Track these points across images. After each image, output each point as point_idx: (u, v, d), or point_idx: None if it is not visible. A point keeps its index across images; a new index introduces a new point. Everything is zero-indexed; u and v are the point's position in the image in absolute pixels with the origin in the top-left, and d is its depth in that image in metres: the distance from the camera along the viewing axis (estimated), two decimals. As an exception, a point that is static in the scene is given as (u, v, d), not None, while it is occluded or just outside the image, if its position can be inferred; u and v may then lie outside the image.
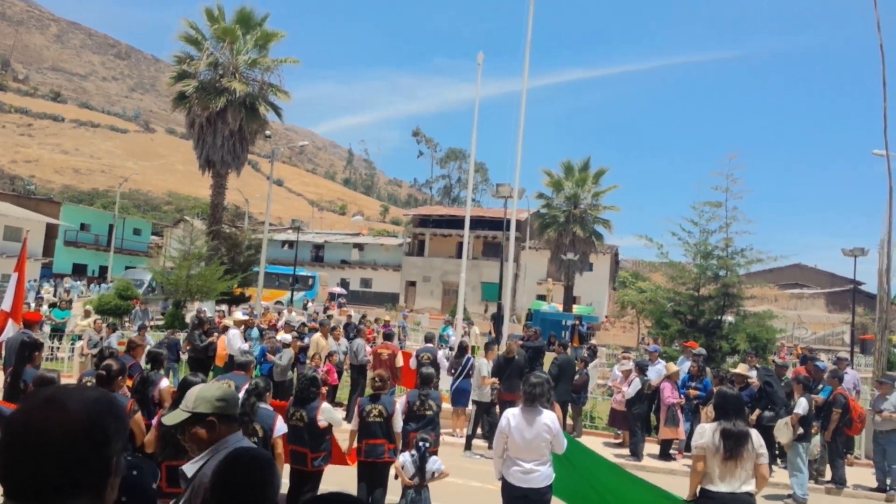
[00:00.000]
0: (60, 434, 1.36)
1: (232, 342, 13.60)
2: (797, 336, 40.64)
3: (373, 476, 7.12)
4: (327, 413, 6.86)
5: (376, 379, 7.53)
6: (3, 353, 10.76)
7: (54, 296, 32.35)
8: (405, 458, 6.76)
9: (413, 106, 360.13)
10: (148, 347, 9.49)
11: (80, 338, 17.20)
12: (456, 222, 52.62)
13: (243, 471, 2.12)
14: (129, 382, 7.70)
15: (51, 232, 49.92)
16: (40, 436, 1.35)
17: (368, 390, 13.04)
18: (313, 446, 6.70)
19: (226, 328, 14.58)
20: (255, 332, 15.12)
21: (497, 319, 23.73)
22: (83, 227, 55.44)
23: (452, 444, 11.84)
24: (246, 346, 13.38)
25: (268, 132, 30.86)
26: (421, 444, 6.73)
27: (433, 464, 6.73)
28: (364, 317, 24.87)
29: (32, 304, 21.36)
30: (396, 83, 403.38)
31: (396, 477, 6.82)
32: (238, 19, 28.69)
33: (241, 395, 6.52)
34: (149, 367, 8.09)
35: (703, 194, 21.55)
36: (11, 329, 10.30)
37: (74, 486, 1.37)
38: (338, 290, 51.53)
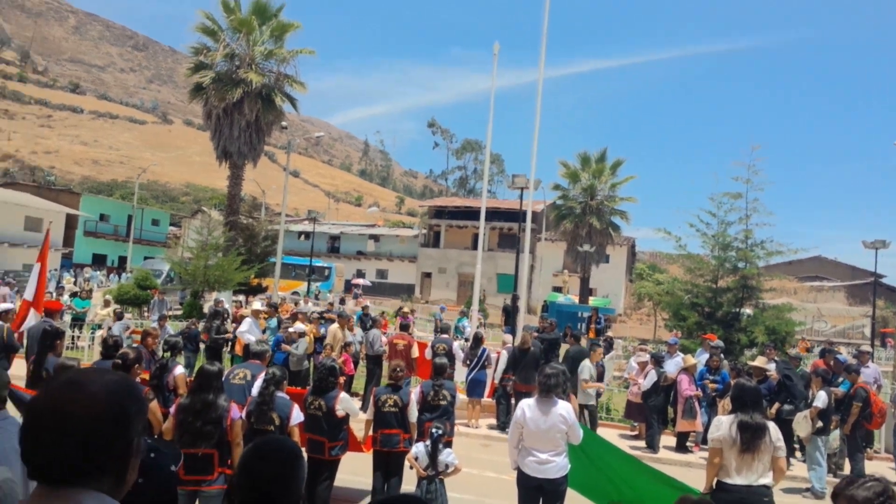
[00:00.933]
0: (83, 416, 1.38)
1: (245, 331, 13.69)
2: (817, 329, 40.23)
3: (388, 465, 7.15)
4: (345, 403, 6.89)
5: (397, 369, 7.57)
6: (26, 341, 10.92)
7: (75, 285, 32.76)
8: (419, 448, 6.76)
9: (429, 97, 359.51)
10: (167, 336, 9.57)
11: (100, 327, 17.41)
12: (472, 214, 52.54)
13: (270, 460, 2.12)
14: (146, 374, 7.79)
15: (71, 222, 50.53)
16: (63, 418, 1.37)
17: (384, 380, 13.14)
18: (331, 435, 6.74)
19: (243, 318, 14.67)
20: (273, 322, 15.16)
21: (511, 311, 23.70)
22: (102, 217, 56.03)
23: (467, 434, 11.86)
24: (256, 336, 13.39)
25: (284, 123, 30.94)
26: (434, 432, 6.72)
27: (447, 456, 6.69)
28: (400, 308, 24.68)
29: (53, 294, 21.64)
30: (412, 74, 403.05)
31: (411, 467, 6.84)
32: (254, 10, 28.75)
33: (259, 383, 6.57)
34: (168, 354, 8.17)
35: (721, 185, 21.33)
36: (33, 318, 10.44)
37: (97, 468, 1.40)
38: (362, 281, 51.66)
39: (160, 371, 7.51)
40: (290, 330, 13.50)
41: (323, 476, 6.73)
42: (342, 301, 32.95)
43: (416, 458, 6.68)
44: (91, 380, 1.45)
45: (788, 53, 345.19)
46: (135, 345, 9.20)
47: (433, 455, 6.59)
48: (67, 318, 18.85)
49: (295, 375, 12.80)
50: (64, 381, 1.45)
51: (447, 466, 6.66)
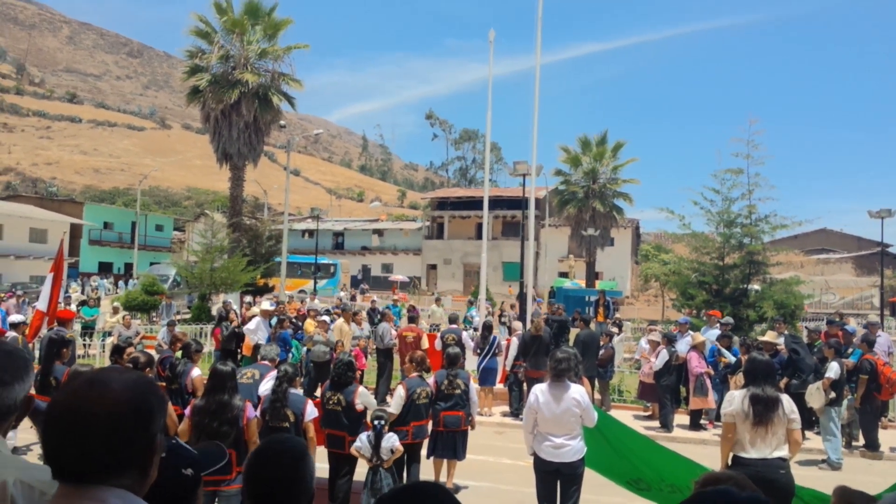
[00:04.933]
0: (107, 413, 1.39)
1: (252, 329, 13.73)
2: (825, 301, 40.15)
3: (412, 455, 7.25)
4: (364, 396, 6.92)
5: (424, 361, 7.69)
6: (37, 352, 10.98)
7: (82, 294, 32.86)
8: (362, 439, 6.60)
9: (425, 89, 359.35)
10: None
11: (109, 334, 17.48)
12: (474, 203, 52.47)
13: (273, 465, 2.07)
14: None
15: (75, 232, 50.63)
16: (87, 415, 1.38)
17: (397, 374, 13.18)
18: (351, 430, 6.73)
19: (250, 318, 14.71)
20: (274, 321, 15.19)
21: (521, 298, 23.71)
22: (106, 225, 56.12)
23: (481, 422, 11.84)
24: (264, 335, 13.41)
25: (282, 122, 30.90)
26: (376, 422, 6.58)
27: (387, 441, 6.53)
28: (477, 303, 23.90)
29: (62, 304, 21.71)
30: (408, 67, 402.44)
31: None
32: (246, 10, 28.66)
33: (266, 383, 6.64)
34: (179, 354, 8.21)
35: (723, 162, 21.21)
36: (46, 328, 10.49)
37: (122, 464, 1.41)
38: (400, 277, 51.52)
39: (173, 374, 7.54)
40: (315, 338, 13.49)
41: (343, 470, 6.74)
42: (353, 298, 33.00)
43: (360, 449, 6.54)
44: (112, 378, 1.46)
45: (788, 25, 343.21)
46: (161, 348, 9.28)
47: (376, 445, 6.47)
48: (77, 326, 18.93)
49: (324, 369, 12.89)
50: (85, 380, 1.45)
51: (392, 451, 6.52)
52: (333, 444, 6.74)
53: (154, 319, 24.24)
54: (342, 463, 6.74)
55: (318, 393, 12.98)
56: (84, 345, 17.61)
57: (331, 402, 6.82)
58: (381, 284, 53.28)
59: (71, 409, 1.39)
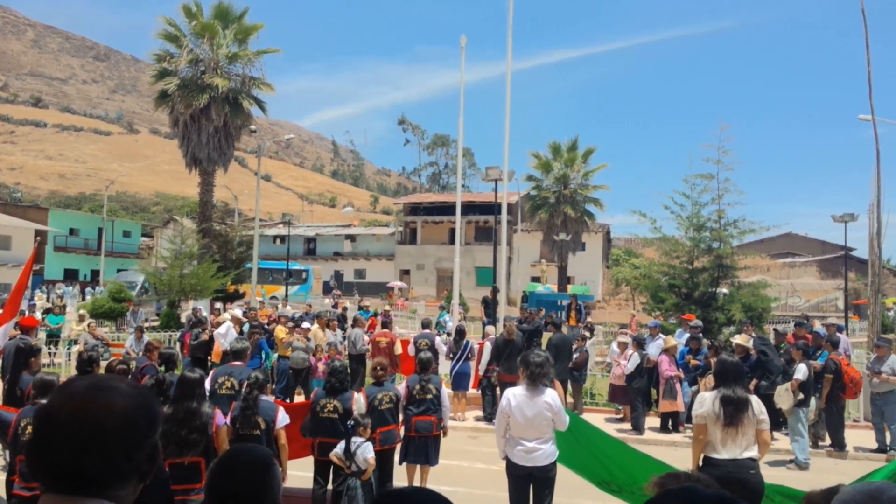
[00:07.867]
0: (119, 420, 1.34)
1: (222, 334, 13.58)
2: (791, 304, 40.88)
3: (384, 462, 7.14)
4: (360, 403, 6.87)
5: (378, 368, 7.55)
6: (1, 360, 10.68)
7: (47, 302, 32.14)
8: (341, 444, 6.46)
9: (397, 95, 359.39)
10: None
11: (75, 342, 17.11)
12: (447, 209, 52.51)
13: (236, 476, 1.99)
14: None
15: (40, 238, 49.58)
16: (97, 423, 1.32)
17: (368, 379, 13.10)
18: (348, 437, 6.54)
19: (217, 325, 14.54)
20: (246, 327, 15.05)
21: (489, 303, 23.77)
22: (72, 231, 55.04)
23: (454, 427, 11.85)
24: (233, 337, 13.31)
25: (253, 127, 30.64)
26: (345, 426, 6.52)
27: (362, 451, 6.36)
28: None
29: (26, 311, 21.21)
30: (379, 73, 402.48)
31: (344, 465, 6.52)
32: (216, 14, 28.42)
33: (245, 389, 6.52)
34: (162, 368, 7.98)
35: (694, 167, 21.44)
36: (3, 335, 10.20)
37: (128, 473, 1.36)
38: (398, 283, 51.20)
39: (160, 387, 7.36)
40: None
41: (339, 481, 6.56)
42: (335, 305, 32.73)
43: (338, 456, 6.41)
44: (113, 385, 1.40)
45: (753, 33, 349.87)
46: (139, 357, 9.08)
47: (347, 450, 6.35)
48: (42, 335, 18.51)
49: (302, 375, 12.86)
50: (87, 387, 1.38)
51: (365, 461, 6.35)
52: (326, 453, 6.52)
53: (122, 327, 23.81)
54: (340, 471, 6.49)
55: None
56: (49, 353, 17.21)
57: (326, 410, 6.66)
58: (355, 290, 52.98)
59: (75, 417, 1.32)
